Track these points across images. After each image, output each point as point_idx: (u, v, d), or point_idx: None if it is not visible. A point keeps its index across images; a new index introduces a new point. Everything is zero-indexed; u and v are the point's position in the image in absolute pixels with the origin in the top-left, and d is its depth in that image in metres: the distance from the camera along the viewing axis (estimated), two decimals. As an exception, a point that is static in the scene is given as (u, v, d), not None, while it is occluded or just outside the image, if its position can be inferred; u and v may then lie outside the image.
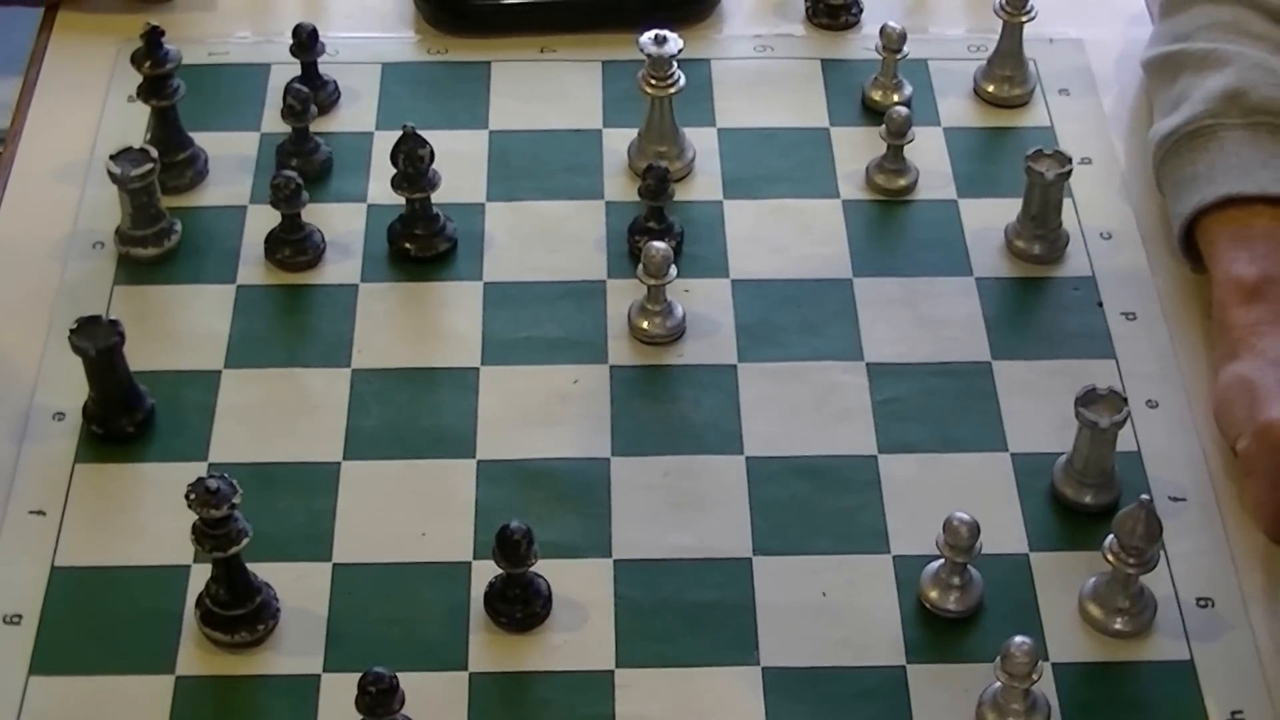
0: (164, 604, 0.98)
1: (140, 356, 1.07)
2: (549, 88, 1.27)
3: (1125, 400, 1.01)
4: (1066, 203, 1.17)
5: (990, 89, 1.26)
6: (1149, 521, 0.94)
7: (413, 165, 1.12)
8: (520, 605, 0.97)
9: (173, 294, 1.13)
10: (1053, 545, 1.01)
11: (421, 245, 1.15)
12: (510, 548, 0.95)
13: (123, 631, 0.97)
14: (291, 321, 1.12)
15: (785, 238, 1.17)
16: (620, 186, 1.20)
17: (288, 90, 1.18)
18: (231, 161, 1.21)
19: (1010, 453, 1.05)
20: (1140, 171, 1.20)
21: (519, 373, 1.09)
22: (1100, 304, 1.13)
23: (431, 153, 1.13)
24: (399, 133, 1.12)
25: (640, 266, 1.10)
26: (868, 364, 1.10)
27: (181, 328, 1.12)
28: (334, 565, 1.00)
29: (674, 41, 1.17)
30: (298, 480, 1.03)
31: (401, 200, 1.14)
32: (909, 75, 1.26)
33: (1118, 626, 0.97)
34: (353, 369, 1.09)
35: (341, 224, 1.17)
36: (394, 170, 1.13)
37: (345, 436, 1.06)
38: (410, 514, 1.02)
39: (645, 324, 1.11)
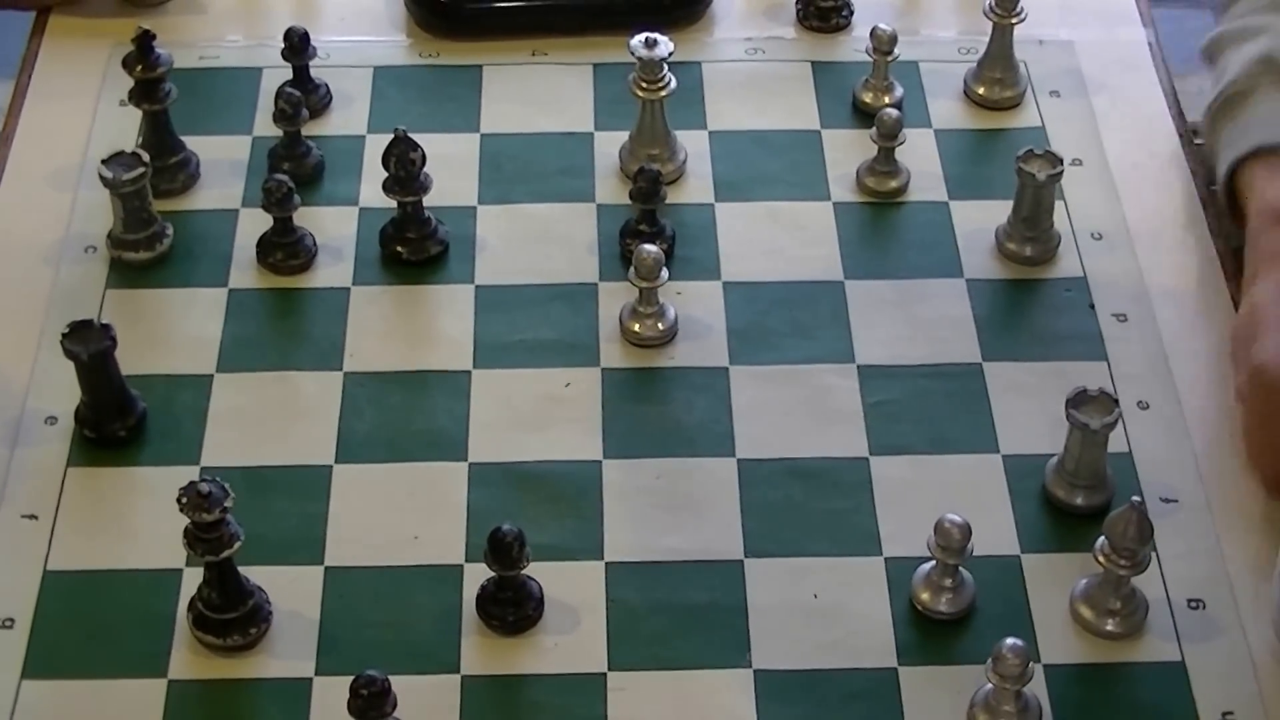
0: (156, 607, 0.98)
1: (132, 360, 1.07)
2: (540, 91, 1.27)
3: (1116, 402, 1.01)
4: (1058, 204, 1.17)
5: (981, 91, 1.26)
6: (1140, 523, 0.94)
7: (404, 169, 1.13)
8: (512, 608, 0.97)
9: (165, 298, 1.14)
10: (1044, 547, 1.01)
11: (413, 248, 1.15)
12: (502, 550, 0.95)
13: (115, 635, 0.97)
14: (283, 325, 1.12)
15: (777, 240, 1.17)
16: (612, 189, 1.20)
17: (279, 94, 1.18)
18: (223, 165, 1.21)
19: (1002, 454, 1.05)
20: (1131, 172, 1.21)
21: (511, 376, 1.09)
22: (1092, 305, 1.13)
23: (423, 156, 1.13)
24: (391, 136, 1.12)
25: (632, 269, 1.10)
26: (859, 366, 1.10)
27: (173, 331, 1.12)
28: (326, 568, 1.00)
29: (665, 44, 1.17)
30: (290, 484, 1.03)
31: (393, 204, 1.14)
32: (900, 77, 1.26)
33: (1109, 628, 0.97)
34: (345, 372, 1.09)
35: (333, 227, 1.17)
36: (386, 174, 1.13)
37: (337, 440, 1.06)
38: (402, 517, 1.02)
39: (637, 326, 1.11)
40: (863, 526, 1.02)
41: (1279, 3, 1.20)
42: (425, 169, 1.13)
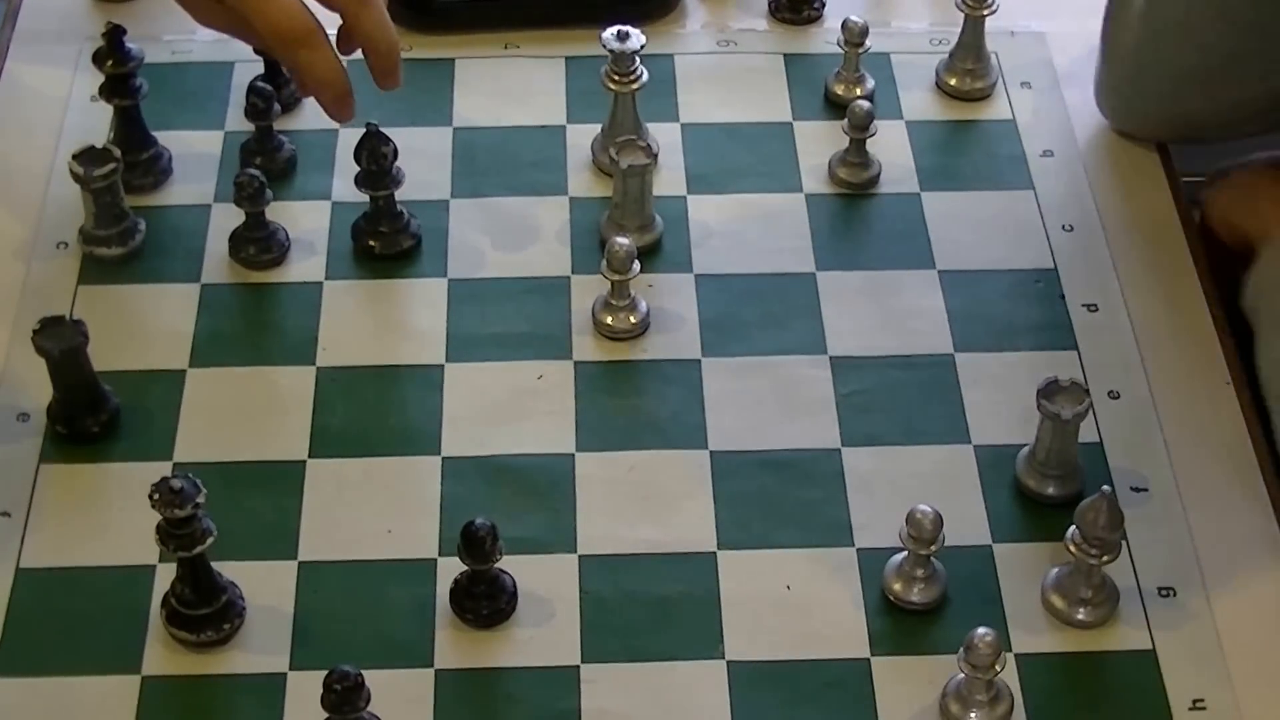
0: (129, 604, 0.98)
1: (105, 356, 1.07)
2: (513, 84, 1.27)
3: (1087, 391, 1.01)
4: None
5: (952, 82, 1.26)
6: (1111, 512, 0.95)
7: (376, 163, 1.13)
8: (486, 601, 0.97)
9: (137, 293, 1.13)
10: (1016, 537, 1.02)
11: (386, 242, 1.15)
12: (475, 544, 0.95)
13: (88, 632, 0.97)
14: (256, 320, 1.12)
15: (749, 232, 1.17)
16: (584, 182, 1.20)
17: (251, 88, 1.18)
18: (195, 160, 1.21)
19: (973, 445, 1.06)
20: (1102, 163, 1.21)
21: (483, 369, 1.09)
22: (1062, 296, 1.14)
23: (395, 150, 1.13)
24: (363, 130, 1.12)
25: (604, 262, 1.10)
26: (831, 357, 1.10)
27: (146, 327, 1.12)
28: (300, 563, 1.00)
29: (636, 37, 1.17)
30: (263, 478, 1.03)
31: (366, 198, 1.14)
32: (871, 69, 1.26)
33: (1080, 617, 0.97)
34: (318, 367, 1.09)
35: (306, 222, 1.17)
36: (358, 168, 1.13)
37: (311, 434, 1.06)
38: (376, 511, 1.02)
39: (609, 319, 1.11)
40: (835, 517, 1.02)
41: None
42: (397, 163, 1.13)
